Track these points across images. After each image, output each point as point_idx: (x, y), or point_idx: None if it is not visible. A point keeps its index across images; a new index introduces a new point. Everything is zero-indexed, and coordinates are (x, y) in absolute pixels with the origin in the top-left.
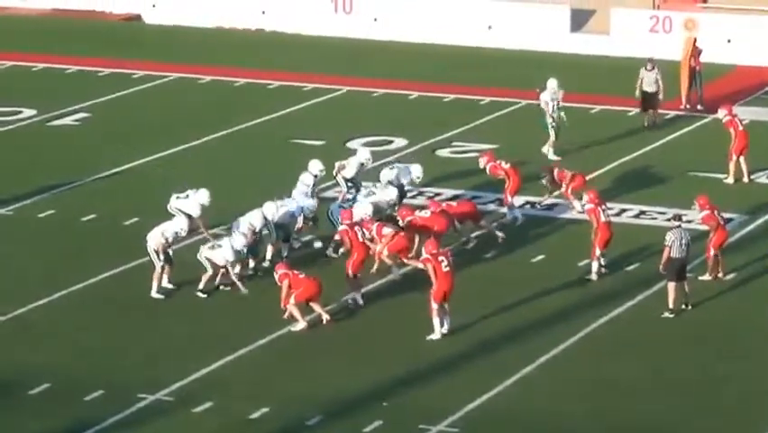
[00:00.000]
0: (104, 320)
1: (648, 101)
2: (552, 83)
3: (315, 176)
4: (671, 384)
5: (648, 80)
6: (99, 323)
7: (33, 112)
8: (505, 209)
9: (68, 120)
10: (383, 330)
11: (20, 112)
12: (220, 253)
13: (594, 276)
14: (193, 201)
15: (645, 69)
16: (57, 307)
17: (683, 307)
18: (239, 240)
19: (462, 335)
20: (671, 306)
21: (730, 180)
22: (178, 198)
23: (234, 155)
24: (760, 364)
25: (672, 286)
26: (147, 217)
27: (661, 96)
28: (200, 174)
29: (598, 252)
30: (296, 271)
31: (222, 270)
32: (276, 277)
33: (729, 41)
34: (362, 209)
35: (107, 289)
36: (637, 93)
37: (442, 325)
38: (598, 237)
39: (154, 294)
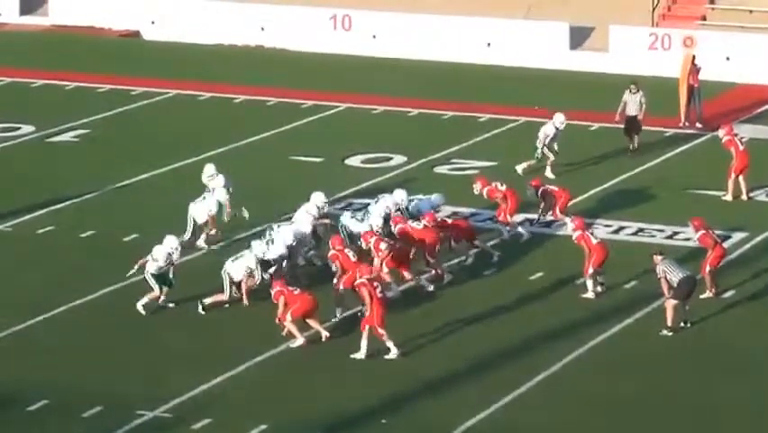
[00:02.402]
0: (102, 336)
1: (631, 125)
2: (560, 117)
3: (320, 208)
4: (669, 401)
5: (631, 103)
6: (98, 339)
7: (32, 128)
8: (503, 228)
9: (66, 136)
10: (382, 347)
11: (19, 128)
12: (241, 263)
13: (591, 294)
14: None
15: (630, 92)
16: (56, 323)
17: (682, 325)
18: (259, 248)
19: (461, 351)
20: (669, 324)
21: (729, 198)
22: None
23: (233, 171)
24: (759, 382)
25: (670, 304)
26: (146, 233)
27: (640, 118)
28: (198, 190)
29: (591, 270)
30: (291, 288)
31: (235, 285)
32: (272, 294)
33: (728, 58)
34: (373, 220)
35: (106, 305)
36: (617, 117)
37: (383, 346)
38: (593, 259)
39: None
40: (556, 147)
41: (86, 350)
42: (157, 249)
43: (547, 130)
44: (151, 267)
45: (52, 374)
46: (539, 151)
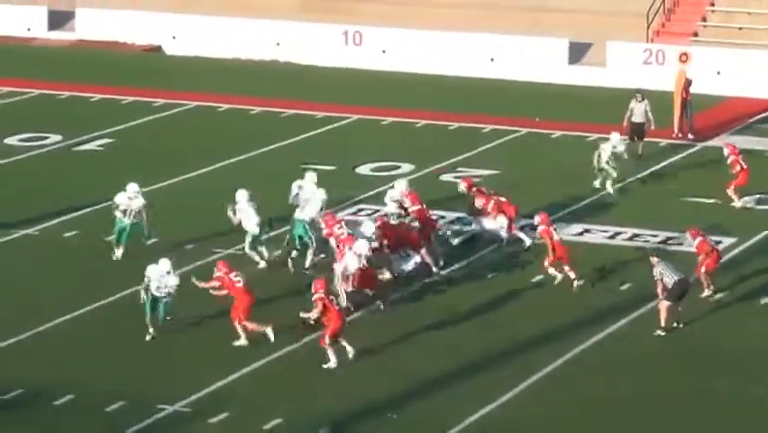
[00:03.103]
0: (125, 335)
1: (636, 131)
2: (615, 137)
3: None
4: (664, 400)
5: (638, 111)
6: (120, 338)
7: (59, 137)
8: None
9: (92, 145)
10: (390, 346)
11: (47, 137)
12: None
13: (558, 277)
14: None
15: (636, 100)
16: (81, 322)
17: (675, 325)
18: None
19: (463, 351)
20: (663, 324)
21: (738, 204)
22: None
23: (249, 179)
24: (747, 380)
25: (664, 305)
26: (166, 237)
27: (651, 127)
28: (217, 197)
29: (547, 263)
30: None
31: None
32: (313, 296)
33: (719, 73)
34: (366, 228)
35: (128, 305)
36: (625, 123)
37: (340, 355)
38: (552, 257)
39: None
40: (612, 164)
41: (109, 348)
42: (150, 269)
43: (608, 147)
44: (152, 287)
45: (77, 371)
46: (601, 167)
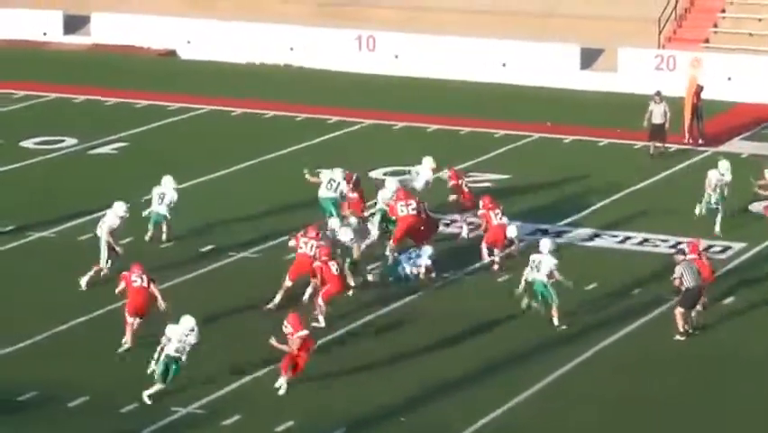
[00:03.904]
0: (139, 337)
1: (656, 132)
2: (724, 164)
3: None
4: (676, 402)
5: (656, 112)
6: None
7: (75, 141)
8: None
9: (107, 148)
10: (401, 349)
11: (63, 141)
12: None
13: (486, 259)
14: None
15: (654, 101)
16: (96, 324)
17: (690, 331)
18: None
19: (474, 355)
20: (680, 329)
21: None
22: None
23: (263, 182)
24: (760, 384)
25: (678, 312)
26: (180, 240)
27: (667, 126)
28: (232, 200)
29: (485, 245)
30: None
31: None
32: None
33: (729, 79)
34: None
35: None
36: (645, 124)
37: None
38: (488, 236)
39: None
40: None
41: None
42: (170, 328)
43: (714, 175)
44: (169, 348)
45: (92, 373)
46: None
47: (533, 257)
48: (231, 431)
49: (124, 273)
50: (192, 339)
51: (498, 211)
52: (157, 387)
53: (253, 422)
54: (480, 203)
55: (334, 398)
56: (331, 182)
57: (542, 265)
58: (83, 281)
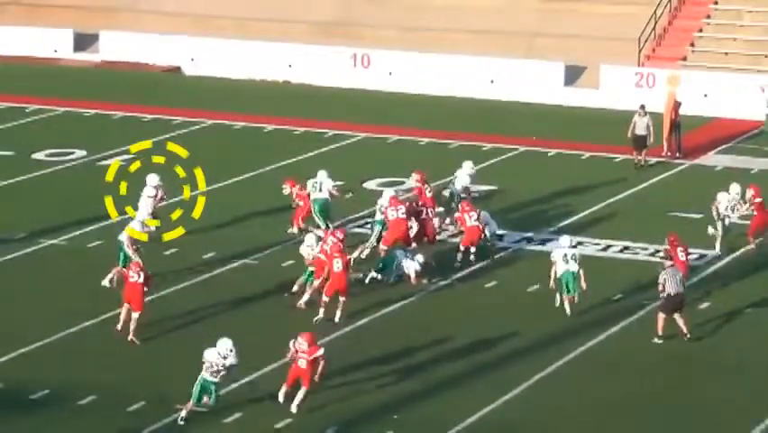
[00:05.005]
0: (145, 339)
1: (639, 143)
2: (735, 187)
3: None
4: (658, 404)
5: (640, 125)
6: (141, 342)
7: (84, 152)
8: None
9: (114, 160)
10: (395, 348)
11: (72, 152)
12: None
13: (459, 258)
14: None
15: (638, 114)
16: (103, 327)
17: (688, 336)
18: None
19: (466, 355)
20: (660, 333)
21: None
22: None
23: (263, 193)
24: (738, 383)
25: (660, 316)
26: (186, 247)
27: (651, 140)
28: (233, 209)
29: (462, 247)
30: None
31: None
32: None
33: (706, 95)
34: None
35: (148, 311)
36: (629, 135)
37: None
38: (464, 238)
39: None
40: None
41: (131, 351)
42: (208, 352)
43: (720, 200)
44: (206, 372)
45: (100, 373)
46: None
47: (558, 253)
48: (232, 429)
49: (124, 270)
50: (231, 360)
51: (473, 213)
52: (189, 408)
53: (253, 420)
54: (459, 206)
55: (330, 395)
56: (314, 185)
57: (577, 257)
58: (105, 281)
